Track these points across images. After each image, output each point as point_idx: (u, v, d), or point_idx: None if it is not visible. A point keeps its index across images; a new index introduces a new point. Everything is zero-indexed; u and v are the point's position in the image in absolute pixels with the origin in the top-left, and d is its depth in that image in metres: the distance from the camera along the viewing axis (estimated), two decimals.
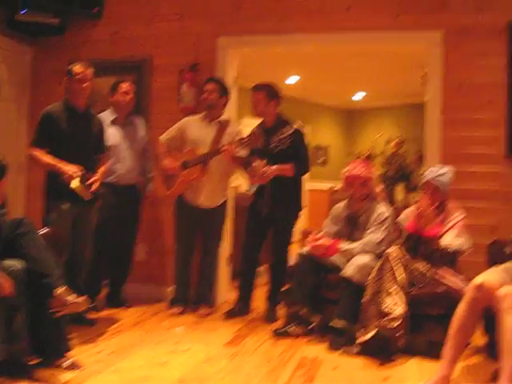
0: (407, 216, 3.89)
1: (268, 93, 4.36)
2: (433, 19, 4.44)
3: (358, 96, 10.22)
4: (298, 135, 4.36)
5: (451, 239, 3.59)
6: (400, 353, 3.45)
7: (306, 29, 4.69)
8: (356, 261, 3.69)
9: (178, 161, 4.45)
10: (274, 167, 4.20)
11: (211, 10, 4.94)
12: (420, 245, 3.68)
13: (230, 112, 4.77)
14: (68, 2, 4.99)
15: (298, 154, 4.30)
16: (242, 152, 4.36)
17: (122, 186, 4.44)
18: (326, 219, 4.23)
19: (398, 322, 3.33)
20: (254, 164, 4.20)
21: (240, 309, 4.46)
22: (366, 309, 3.51)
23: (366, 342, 3.44)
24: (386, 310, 3.38)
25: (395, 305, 3.38)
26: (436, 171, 3.74)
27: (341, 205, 4.18)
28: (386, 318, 3.35)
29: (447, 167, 3.79)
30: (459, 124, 4.38)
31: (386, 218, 3.91)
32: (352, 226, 4.04)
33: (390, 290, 3.43)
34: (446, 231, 3.64)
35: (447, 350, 2.83)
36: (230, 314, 4.40)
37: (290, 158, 4.26)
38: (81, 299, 2.95)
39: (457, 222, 3.65)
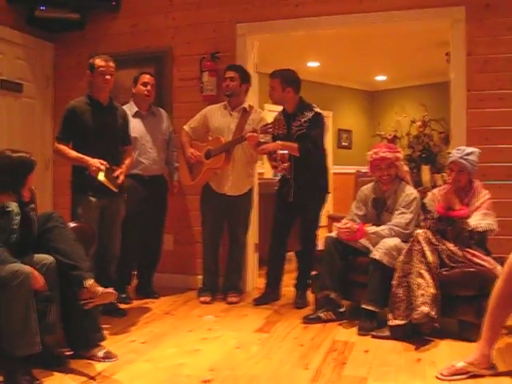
0: (434, 196, 3.84)
1: (283, 79, 4.31)
2: None
3: (380, 78, 10.12)
4: (317, 118, 4.30)
5: (479, 219, 3.55)
6: (431, 335, 3.43)
7: (326, 11, 4.64)
8: (385, 243, 3.67)
9: (201, 150, 4.46)
10: (279, 142, 4.16)
11: None
12: (449, 226, 3.63)
13: (251, 99, 4.76)
14: None
15: (309, 134, 4.25)
16: (266, 138, 4.34)
17: (148, 177, 4.47)
18: (352, 203, 4.21)
19: (431, 307, 3.30)
20: (276, 154, 4.15)
21: (269, 295, 4.47)
22: (395, 291, 3.48)
23: (398, 325, 3.42)
24: (420, 291, 3.35)
25: (428, 286, 3.35)
26: (462, 151, 3.68)
27: (367, 187, 4.15)
28: (418, 309, 3.31)
29: (473, 148, 3.73)
30: (485, 101, 4.30)
31: (413, 199, 3.88)
32: (379, 209, 4.01)
33: (421, 271, 3.40)
34: (473, 211, 3.60)
35: (485, 329, 2.80)
36: (260, 301, 4.42)
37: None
38: (110, 289, 2.98)
39: (483, 202, 3.61)
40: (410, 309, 3.38)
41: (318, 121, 4.31)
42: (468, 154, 3.65)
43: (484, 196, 3.64)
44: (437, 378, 2.80)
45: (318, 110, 4.33)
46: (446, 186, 3.74)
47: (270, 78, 4.38)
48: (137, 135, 4.41)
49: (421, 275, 3.40)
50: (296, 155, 4.19)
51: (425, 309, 3.30)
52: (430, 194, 3.95)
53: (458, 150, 3.73)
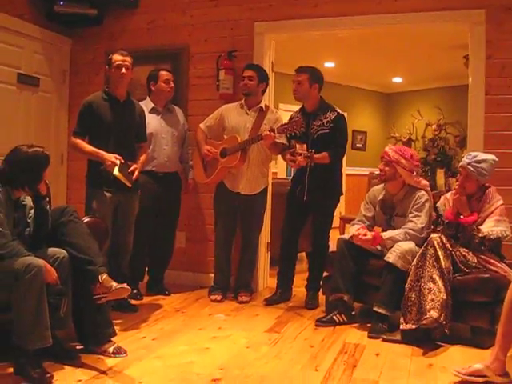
0: (446, 201, 3.81)
1: (311, 75, 4.30)
2: None
3: (396, 80, 10.08)
4: (341, 120, 4.29)
5: (492, 226, 3.50)
6: (443, 340, 3.40)
7: (343, 12, 4.62)
8: (400, 246, 3.64)
9: (217, 148, 4.46)
10: (312, 155, 4.10)
11: None
12: (458, 232, 3.60)
13: (267, 98, 4.75)
14: None
15: (336, 140, 4.25)
16: (282, 138, 4.33)
17: (162, 174, 4.47)
18: (362, 203, 4.19)
19: (441, 312, 3.28)
20: (294, 148, 4.13)
21: (280, 295, 4.46)
22: (408, 295, 3.46)
23: (409, 329, 3.40)
24: (430, 296, 3.32)
25: (439, 291, 3.32)
26: (472, 157, 3.61)
27: (378, 188, 4.13)
28: (427, 314, 3.29)
29: (489, 155, 3.64)
30: (503, 106, 4.25)
31: (425, 201, 3.84)
32: (388, 213, 3.99)
33: (434, 276, 3.37)
34: (485, 218, 3.56)
35: (499, 336, 2.77)
36: (271, 301, 4.41)
37: (329, 142, 4.21)
38: (124, 285, 2.99)
39: (496, 208, 3.56)
40: (421, 313, 3.37)
41: (343, 123, 4.31)
42: (479, 162, 3.57)
43: (497, 202, 3.58)
44: (453, 374, 2.79)
45: (339, 111, 4.32)
46: (455, 191, 3.71)
47: (296, 73, 4.34)
48: (152, 131, 4.41)
49: (433, 280, 3.38)
50: (327, 162, 4.18)
51: (434, 314, 3.28)
52: (442, 197, 3.91)
53: (469, 155, 3.66)
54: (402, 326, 3.44)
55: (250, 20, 4.89)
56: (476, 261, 3.49)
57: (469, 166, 3.59)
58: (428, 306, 3.32)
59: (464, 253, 3.51)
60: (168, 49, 5.13)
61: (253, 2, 4.89)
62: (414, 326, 3.38)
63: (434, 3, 4.39)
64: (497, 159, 3.63)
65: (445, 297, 3.32)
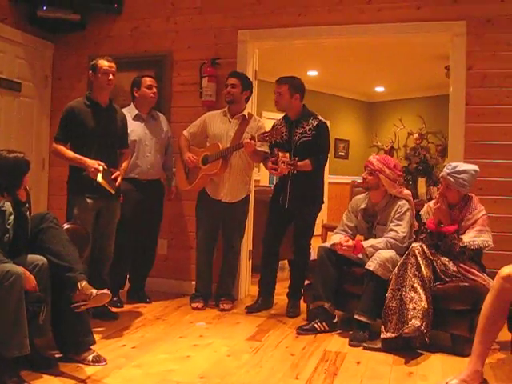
0: (430, 208, 3.83)
1: (291, 86, 4.32)
2: (455, 10, 4.36)
3: (379, 89, 10.15)
4: (322, 128, 4.31)
5: (473, 236, 3.52)
6: (423, 348, 3.41)
7: (327, 21, 4.65)
8: (380, 255, 3.66)
9: (199, 155, 4.45)
10: (295, 163, 4.10)
11: (231, 3, 4.92)
12: (440, 241, 3.62)
13: (250, 106, 4.75)
14: None
15: (318, 147, 4.27)
16: (263, 147, 4.34)
17: (145, 181, 4.45)
18: (344, 212, 4.20)
19: (422, 321, 3.29)
20: (276, 156, 4.15)
21: (262, 303, 4.46)
22: (388, 304, 3.48)
23: (389, 338, 3.41)
24: (412, 305, 3.34)
25: (421, 300, 3.34)
26: (452, 168, 3.62)
27: (360, 197, 4.15)
28: (409, 323, 3.30)
29: (470, 166, 3.65)
30: (483, 116, 4.31)
31: (406, 210, 3.86)
32: (370, 222, 4.01)
33: (415, 285, 3.39)
34: (468, 228, 3.58)
35: (476, 344, 2.79)
36: (252, 309, 4.41)
37: (311, 150, 4.23)
38: (105, 291, 2.96)
39: (478, 219, 3.57)
40: (402, 322, 3.38)
41: (325, 130, 4.33)
42: (459, 172, 3.58)
43: (479, 212, 3.60)
44: None
45: (322, 118, 4.34)
46: (436, 200, 3.73)
47: (277, 84, 4.37)
48: (136, 138, 4.39)
49: (414, 289, 3.39)
50: (309, 170, 4.19)
51: (416, 323, 3.29)
52: (426, 206, 3.93)
53: (449, 165, 3.67)
54: (382, 335, 3.45)
55: (233, 28, 4.90)
56: (456, 269, 3.51)
57: (448, 177, 3.61)
58: (410, 315, 3.33)
59: (445, 261, 3.53)
60: (151, 55, 5.12)
61: (237, 10, 4.90)
62: (394, 335, 3.39)
63: (416, 14, 4.45)
64: (478, 169, 3.65)
65: (426, 306, 3.34)
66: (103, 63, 3.88)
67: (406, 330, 3.30)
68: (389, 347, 3.43)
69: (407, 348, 3.41)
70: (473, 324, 3.20)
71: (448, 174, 3.61)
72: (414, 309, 3.33)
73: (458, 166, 3.64)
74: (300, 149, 4.23)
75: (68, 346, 3.10)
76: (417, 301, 3.35)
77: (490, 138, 4.29)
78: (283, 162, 4.02)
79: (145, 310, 4.38)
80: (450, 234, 3.56)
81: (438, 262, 3.52)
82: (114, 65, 3.92)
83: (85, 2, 5.05)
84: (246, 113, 4.50)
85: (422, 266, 3.42)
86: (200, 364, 3.17)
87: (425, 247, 3.51)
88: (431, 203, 3.86)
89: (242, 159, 4.41)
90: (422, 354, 3.38)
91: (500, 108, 4.28)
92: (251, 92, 4.56)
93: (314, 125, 4.27)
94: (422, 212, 3.89)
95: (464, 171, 3.59)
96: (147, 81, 4.49)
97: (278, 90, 4.34)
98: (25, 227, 3.01)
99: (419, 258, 3.45)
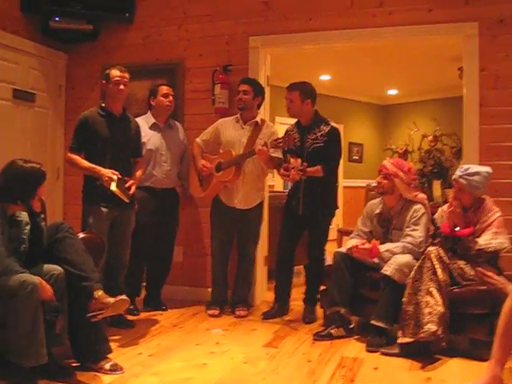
0: (443, 213, 3.80)
1: (302, 92, 4.31)
2: (467, 11, 4.33)
3: (392, 92, 10.11)
4: (334, 134, 4.30)
5: (489, 239, 3.49)
6: (441, 353, 3.39)
7: (338, 25, 4.65)
8: (397, 259, 3.63)
9: (212, 162, 4.46)
10: (305, 169, 4.07)
11: (242, 10, 4.94)
12: (455, 244, 3.59)
13: (263, 112, 4.75)
14: (100, 8, 5.06)
15: (329, 153, 4.25)
16: (277, 153, 4.33)
17: (160, 190, 4.46)
18: (359, 217, 4.18)
19: (438, 325, 3.26)
20: (288, 162, 4.15)
21: (278, 309, 4.44)
22: (405, 308, 3.45)
23: (406, 343, 3.39)
24: (427, 309, 3.31)
25: (437, 304, 3.31)
26: (464, 170, 3.61)
27: (375, 202, 4.13)
28: (424, 328, 3.28)
29: (482, 168, 3.64)
30: (497, 118, 4.27)
31: (422, 214, 3.83)
32: (385, 227, 3.98)
33: (431, 289, 3.36)
34: (483, 230, 3.55)
35: (495, 349, 2.75)
36: (268, 315, 4.39)
37: (323, 156, 4.22)
38: (123, 296, 2.97)
39: (493, 221, 3.54)
40: (418, 326, 3.35)
41: (336, 136, 4.31)
42: (471, 174, 3.56)
43: (494, 214, 3.57)
44: None
45: (334, 124, 4.33)
46: (449, 204, 3.70)
47: (287, 90, 4.36)
48: (152, 147, 4.41)
49: (430, 293, 3.36)
50: (320, 176, 4.18)
51: (432, 327, 3.26)
52: (439, 209, 3.90)
53: (461, 168, 3.66)
54: (399, 340, 3.42)
55: (245, 34, 4.90)
56: (473, 273, 3.48)
57: (461, 179, 3.59)
58: (425, 320, 3.30)
59: (461, 265, 3.50)
60: (163, 63, 5.15)
61: (248, 17, 4.91)
62: (411, 340, 3.36)
63: (427, 16, 4.42)
64: (491, 171, 3.62)
65: (443, 310, 3.31)
66: (115, 73, 3.90)
67: (422, 335, 3.28)
68: (406, 352, 3.40)
69: (425, 353, 3.38)
70: (492, 328, 3.15)
71: (460, 177, 3.59)
72: (430, 313, 3.30)
73: (469, 168, 3.62)
74: (312, 155, 4.22)
75: (85, 354, 3.11)
76: (433, 305, 3.32)
77: (504, 139, 4.25)
78: (294, 168, 4.02)
79: (161, 317, 4.38)
80: (466, 237, 3.53)
81: (455, 265, 3.49)
82: (126, 75, 3.94)
83: (96, 12, 5.09)
84: (258, 119, 4.50)
85: (438, 270, 3.39)
86: (217, 371, 3.17)
87: (441, 251, 3.48)
88: (445, 207, 3.84)
89: (256, 166, 4.41)
90: (439, 359, 3.35)
91: None
92: (263, 98, 4.56)
93: (326, 131, 4.26)
94: (435, 216, 3.86)
95: (476, 173, 3.57)
96: (164, 89, 4.51)
97: (289, 97, 4.34)
98: (39, 237, 3.03)
99: (435, 262, 3.42)
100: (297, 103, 4.31)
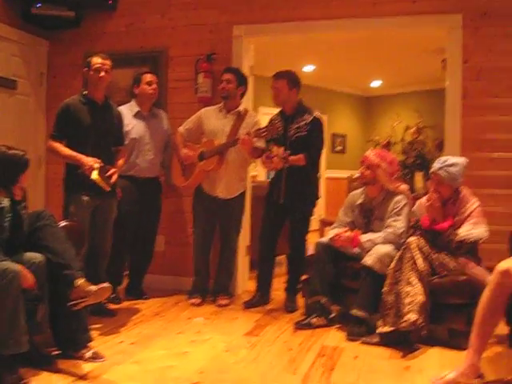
0: (421, 205, 3.81)
1: (290, 80, 4.31)
2: (451, 3, 4.35)
3: (375, 83, 10.13)
4: (317, 123, 4.30)
5: (469, 229, 3.52)
6: (421, 342, 3.42)
7: (323, 15, 4.64)
8: (377, 250, 3.66)
9: (195, 151, 4.45)
10: (287, 157, 4.12)
11: None
12: (436, 237, 3.62)
13: (246, 101, 4.74)
14: None
15: (312, 142, 4.26)
16: (260, 142, 4.33)
17: (143, 179, 4.45)
18: (341, 208, 4.20)
19: (419, 314, 3.30)
20: (271, 150, 4.16)
21: (259, 298, 4.46)
22: (385, 298, 3.48)
23: (386, 332, 3.42)
24: (408, 299, 3.35)
25: (417, 293, 3.34)
26: (442, 162, 3.62)
27: (356, 192, 4.15)
28: (405, 317, 3.31)
29: (458, 158, 3.67)
30: (480, 109, 4.31)
31: (404, 205, 3.86)
32: (367, 216, 4.01)
33: (411, 280, 3.39)
34: (463, 221, 3.58)
35: (473, 338, 2.80)
36: (250, 304, 4.41)
37: (306, 145, 4.22)
38: (105, 284, 2.96)
39: (472, 211, 3.57)
40: (399, 316, 3.38)
41: (319, 126, 4.32)
42: (449, 166, 3.58)
43: (473, 204, 3.59)
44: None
45: (317, 114, 4.33)
46: (427, 197, 3.72)
47: (274, 79, 4.35)
48: (136, 136, 4.39)
49: (410, 283, 3.39)
50: (303, 164, 4.19)
51: (412, 316, 3.29)
52: (417, 202, 3.90)
53: (439, 160, 3.67)
54: (379, 329, 3.45)
55: (229, 23, 4.88)
56: (454, 264, 3.52)
57: (440, 171, 3.60)
58: (406, 310, 3.33)
59: (442, 256, 3.53)
60: (147, 51, 5.11)
61: (232, 5, 4.89)
62: (391, 329, 3.40)
63: (411, 7, 4.43)
64: (467, 161, 3.66)
65: (423, 299, 3.34)
66: (97, 60, 3.87)
67: (403, 324, 3.31)
68: (386, 341, 3.44)
69: (404, 342, 3.41)
70: (470, 318, 3.20)
71: (439, 169, 3.60)
72: (410, 303, 3.33)
73: (447, 159, 3.64)
74: (295, 144, 4.22)
75: (66, 343, 3.10)
76: (413, 294, 3.35)
77: (486, 131, 4.29)
78: (276, 156, 4.03)
79: (143, 306, 4.38)
80: (446, 230, 3.56)
81: (435, 256, 3.53)
82: (108, 62, 3.91)
83: None
84: (241, 108, 4.49)
85: (419, 260, 3.42)
86: (198, 360, 3.18)
87: (421, 241, 3.52)
88: (423, 199, 3.84)
89: (238, 155, 4.40)
90: (419, 348, 3.38)
91: (496, 101, 4.28)
92: (246, 87, 4.55)
93: (309, 120, 4.27)
94: (414, 209, 3.87)
95: (454, 164, 3.60)
96: (147, 77, 4.48)
97: (276, 85, 4.33)
98: (20, 225, 3.00)
99: (415, 252, 3.45)
100: (284, 91, 4.31)
